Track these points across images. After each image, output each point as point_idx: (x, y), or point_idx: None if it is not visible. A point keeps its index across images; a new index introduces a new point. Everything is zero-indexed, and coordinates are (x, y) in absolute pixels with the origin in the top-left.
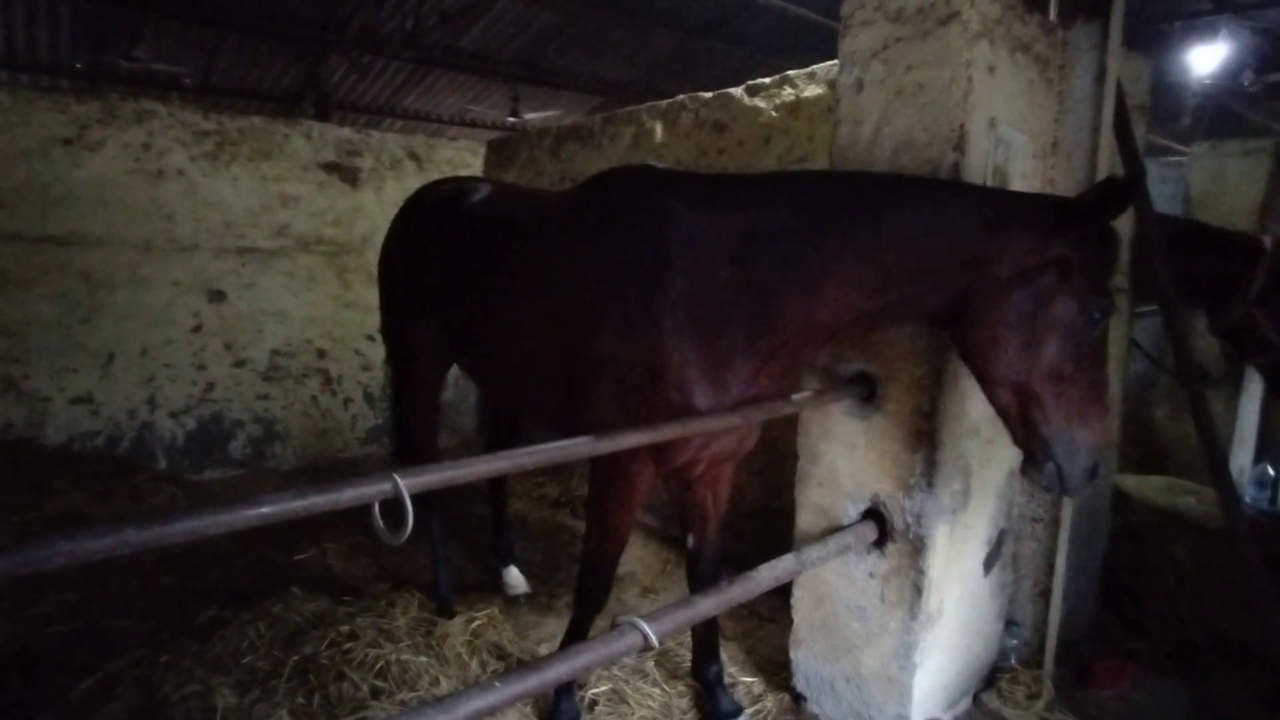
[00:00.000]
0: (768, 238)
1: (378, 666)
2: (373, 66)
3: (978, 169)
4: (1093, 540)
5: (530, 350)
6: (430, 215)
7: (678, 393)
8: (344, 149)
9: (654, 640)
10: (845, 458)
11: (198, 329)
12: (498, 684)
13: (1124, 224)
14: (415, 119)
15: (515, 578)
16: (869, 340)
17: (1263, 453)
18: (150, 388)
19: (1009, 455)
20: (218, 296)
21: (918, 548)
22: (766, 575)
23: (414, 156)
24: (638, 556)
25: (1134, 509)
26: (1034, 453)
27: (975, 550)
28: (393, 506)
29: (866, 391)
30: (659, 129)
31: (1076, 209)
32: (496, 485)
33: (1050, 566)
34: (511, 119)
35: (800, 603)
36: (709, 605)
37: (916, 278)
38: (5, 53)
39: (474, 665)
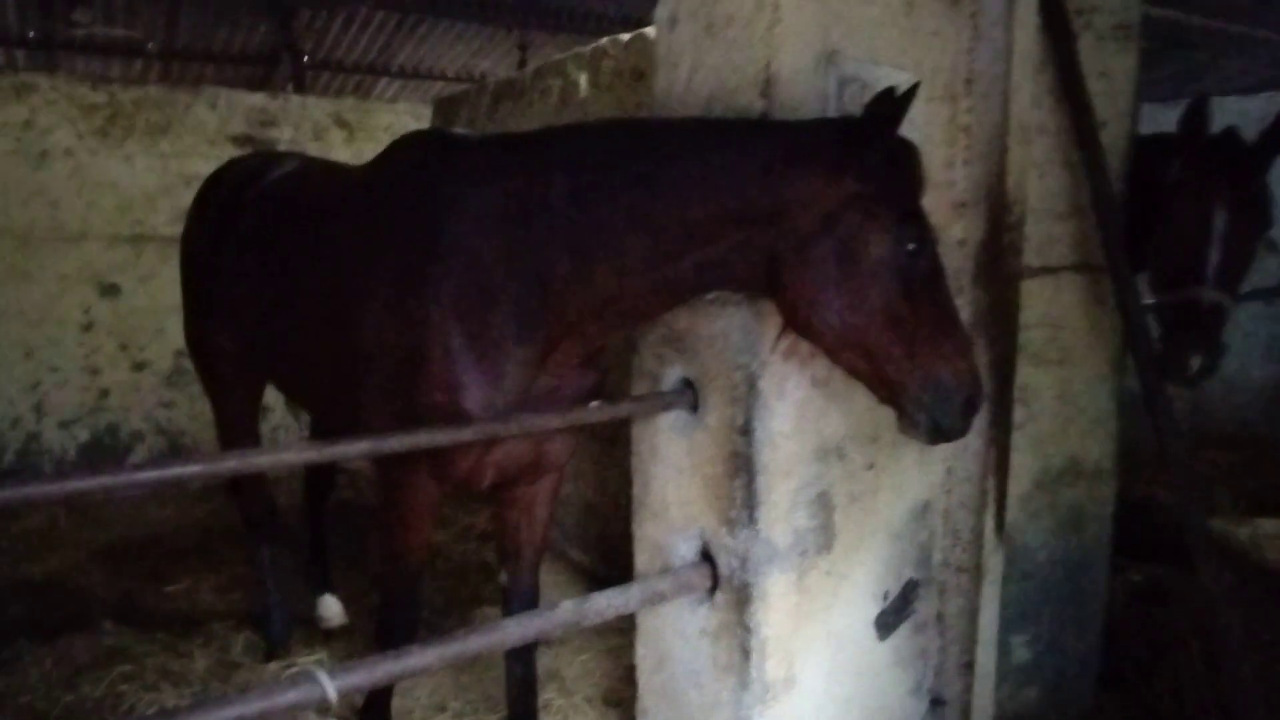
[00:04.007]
0: (540, 204)
1: (151, 711)
2: (354, 18)
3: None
4: (1084, 597)
5: (319, 348)
6: (226, 196)
7: (441, 391)
8: (257, 118)
9: (331, 695)
10: (674, 483)
11: (89, 328)
12: None
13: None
14: (414, 77)
15: (331, 608)
16: (687, 337)
17: None
18: (36, 394)
19: (911, 483)
20: (111, 291)
21: (743, 598)
22: (524, 626)
23: (342, 123)
24: None
25: (1247, 566)
26: (902, 408)
27: (856, 605)
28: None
29: (692, 401)
30: (584, 81)
31: (854, 134)
32: (315, 500)
33: (975, 630)
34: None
35: (644, 663)
36: (428, 658)
37: (705, 243)
38: None
39: None
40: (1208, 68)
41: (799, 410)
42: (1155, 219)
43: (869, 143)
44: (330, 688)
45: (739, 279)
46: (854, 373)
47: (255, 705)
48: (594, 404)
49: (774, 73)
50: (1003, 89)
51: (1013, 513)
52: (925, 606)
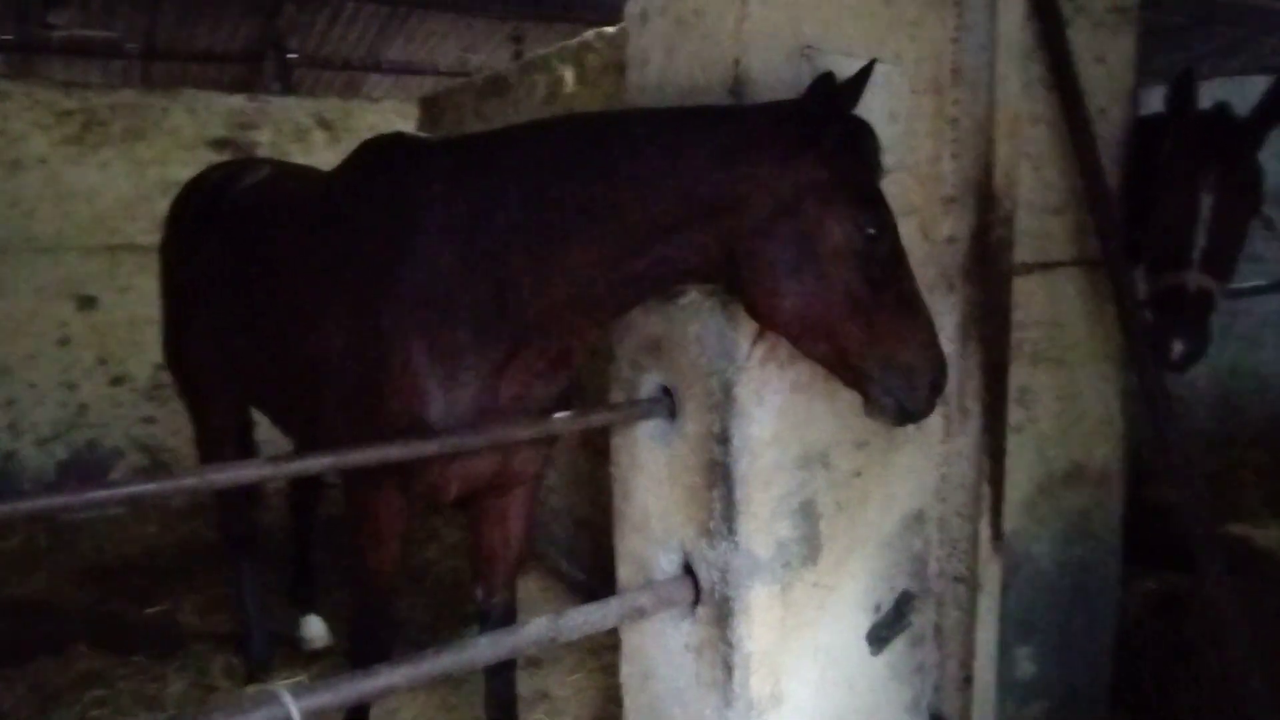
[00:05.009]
0: (498, 205)
1: None
2: (342, 12)
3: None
4: (1093, 607)
5: (283, 359)
6: (199, 206)
7: (399, 398)
8: (236, 121)
9: (295, 715)
10: (654, 494)
11: (65, 342)
12: None
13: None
14: (405, 72)
15: (315, 629)
16: (663, 343)
17: None
18: (12, 411)
19: (902, 490)
20: (88, 303)
21: (725, 613)
22: (497, 645)
23: (324, 124)
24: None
25: (1272, 571)
26: (867, 392)
27: (845, 618)
28: None
29: (670, 409)
30: (570, 76)
31: (810, 118)
32: (300, 516)
33: (972, 643)
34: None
35: (629, 680)
36: (396, 678)
37: (662, 235)
38: None
39: None
40: (1242, 44)
41: (779, 417)
42: (1148, 204)
43: (825, 126)
44: (294, 708)
45: (698, 270)
46: (818, 358)
47: None
48: (562, 414)
49: (744, 69)
50: (990, 79)
51: (1015, 519)
52: (922, 619)
